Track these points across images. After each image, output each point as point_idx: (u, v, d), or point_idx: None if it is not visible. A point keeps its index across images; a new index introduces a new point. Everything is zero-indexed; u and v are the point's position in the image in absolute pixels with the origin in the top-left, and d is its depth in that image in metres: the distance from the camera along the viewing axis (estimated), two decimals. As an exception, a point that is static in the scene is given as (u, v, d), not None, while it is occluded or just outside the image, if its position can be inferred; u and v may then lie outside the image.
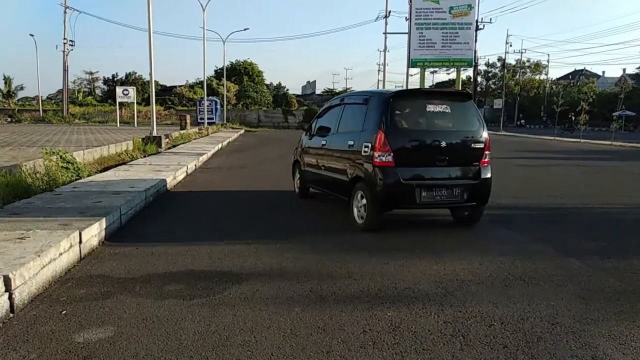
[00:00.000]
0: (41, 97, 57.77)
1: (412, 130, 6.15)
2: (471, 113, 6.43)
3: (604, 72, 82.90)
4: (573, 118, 39.36)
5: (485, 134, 6.27)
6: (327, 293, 3.84)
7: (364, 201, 6.00)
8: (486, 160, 6.24)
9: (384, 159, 5.77)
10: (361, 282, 4.11)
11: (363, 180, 6.04)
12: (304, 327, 3.22)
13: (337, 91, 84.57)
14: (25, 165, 8.33)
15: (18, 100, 67.24)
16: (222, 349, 2.91)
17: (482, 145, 6.18)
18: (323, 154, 7.33)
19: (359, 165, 6.11)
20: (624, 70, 72.06)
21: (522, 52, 70.93)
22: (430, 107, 6.17)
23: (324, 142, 7.29)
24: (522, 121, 65.39)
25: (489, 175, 6.25)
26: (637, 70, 63.78)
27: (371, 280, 4.16)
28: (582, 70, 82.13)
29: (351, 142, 6.37)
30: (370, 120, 6.11)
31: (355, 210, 6.26)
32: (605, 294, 3.94)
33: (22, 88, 68.16)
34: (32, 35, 54.93)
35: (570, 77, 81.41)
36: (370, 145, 5.90)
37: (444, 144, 5.93)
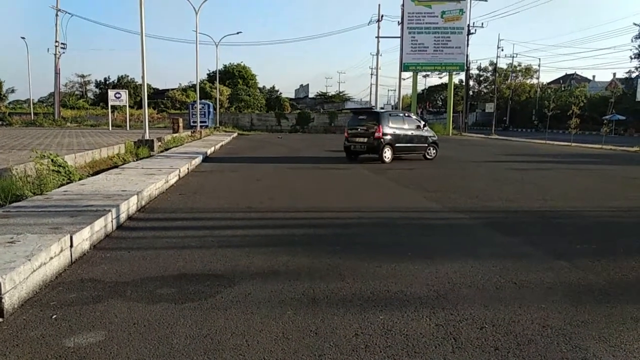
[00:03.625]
0: (32, 100, 57.52)
1: (352, 124, 17.09)
2: (374, 118, 16.39)
3: (594, 77, 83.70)
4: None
5: (379, 127, 15.68)
6: (320, 296, 3.84)
7: None
8: (376, 135, 15.67)
9: (345, 134, 17.17)
10: (353, 285, 4.12)
11: None
12: (296, 331, 3.22)
13: (329, 95, 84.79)
14: (16, 169, 8.26)
15: (9, 103, 66.94)
16: (213, 353, 2.90)
17: (375, 130, 15.68)
18: None
19: None
20: (614, 74, 72.80)
21: (513, 57, 71.69)
22: (359, 116, 17.50)
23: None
24: (538, 123, 63.40)
25: (376, 143, 15.74)
26: (626, 75, 64.38)
27: (363, 283, 4.17)
28: (572, 74, 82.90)
29: None
30: None
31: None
32: (595, 296, 3.97)
33: (13, 91, 67.95)
34: (23, 38, 54.71)
35: (561, 81, 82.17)
36: None
37: (360, 130, 16.40)
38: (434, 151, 17.51)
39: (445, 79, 57.11)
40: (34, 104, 57.93)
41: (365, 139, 16.02)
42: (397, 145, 16.24)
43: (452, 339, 3.13)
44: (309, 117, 52.85)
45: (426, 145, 17.27)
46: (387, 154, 15.94)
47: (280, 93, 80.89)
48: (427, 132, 17.51)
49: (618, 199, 9.53)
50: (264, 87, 79.49)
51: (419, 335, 3.17)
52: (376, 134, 15.60)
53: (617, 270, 4.65)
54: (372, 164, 15.46)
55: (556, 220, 7.19)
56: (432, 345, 3.04)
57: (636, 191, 10.66)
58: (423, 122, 17.88)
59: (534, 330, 3.28)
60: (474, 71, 73.77)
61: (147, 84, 18.73)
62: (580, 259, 5.02)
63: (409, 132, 16.77)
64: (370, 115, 17.00)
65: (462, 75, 56.15)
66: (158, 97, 65.17)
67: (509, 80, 76.44)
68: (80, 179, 9.03)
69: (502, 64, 75.99)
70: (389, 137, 15.91)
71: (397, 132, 16.25)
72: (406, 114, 18.33)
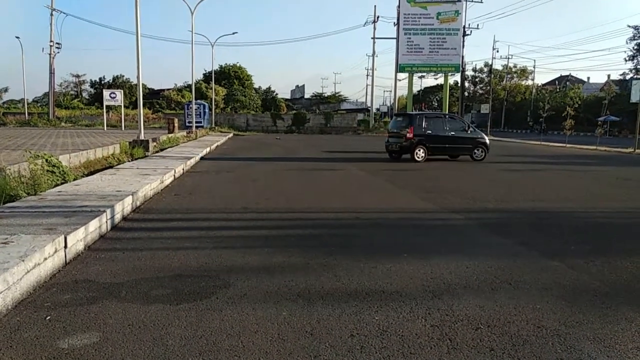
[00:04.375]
0: (27, 100, 57.16)
1: (391, 126, 19.78)
2: (407, 120, 17.58)
3: (588, 78, 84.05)
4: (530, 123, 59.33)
5: (410, 128, 16.73)
6: (315, 297, 3.84)
7: None
8: (407, 136, 16.77)
9: (387, 134, 19.51)
10: (349, 286, 4.12)
11: None
12: (292, 332, 3.21)
13: (325, 95, 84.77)
14: (10, 169, 8.21)
15: (3, 103, 66.58)
16: (208, 354, 2.89)
17: (408, 131, 16.71)
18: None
19: None
20: (609, 76, 73.16)
21: (508, 58, 71.95)
22: (397, 118, 19.62)
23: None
24: (544, 125, 59.58)
25: (408, 143, 16.82)
26: (621, 77, 64.78)
27: (359, 284, 4.17)
28: (567, 76, 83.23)
29: None
30: None
31: None
32: (590, 296, 3.98)
33: (6, 90, 67.65)
34: (18, 37, 54.28)
35: (556, 82, 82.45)
36: None
37: (395, 130, 18.21)
38: (482, 152, 17.69)
39: (440, 80, 57.30)
40: (28, 103, 57.61)
41: (399, 140, 17.40)
42: (432, 145, 16.98)
43: (448, 339, 3.14)
44: (304, 117, 52.82)
45: (471, 146, 17.59)
46: (419, 153, 16.87)
47: (276, 94, 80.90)
48: (473, 133, 17.94)
49: (612, 200, 9.58)
50: (259, 87, 79.38)
51: (415, 336, 3.17)
52: (407, 135, 16.81)
53: (611, 271, 4.67)
54: (368, 165, 15.50)
55: (551, 221, 7.22)
56: (428, 346, 3.04)
57: (630, 192, 10.72)
58: (468, 124, 18.48)
59: (529, 330, 3.29)
60: (469, 72, 74.17)
61: (143, 84, 18.68)
62: (575, 259, 5.04)
63: (450, 134, 17.33)
64: (405, 118, 18.45)
65: (458, 77, 56.30)
66: (153, 97, 64.98)
67: (504, 82, 76.72)
68: (74, 180, 8.99)
69: (498, 65, 76.24)
70: (421, 137, 16.85)
71: (433, 133, 17.06)
72: (448, 116, 20.12)
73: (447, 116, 19.71)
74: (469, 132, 17.81)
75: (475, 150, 17.64)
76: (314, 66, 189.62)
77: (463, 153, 17.77)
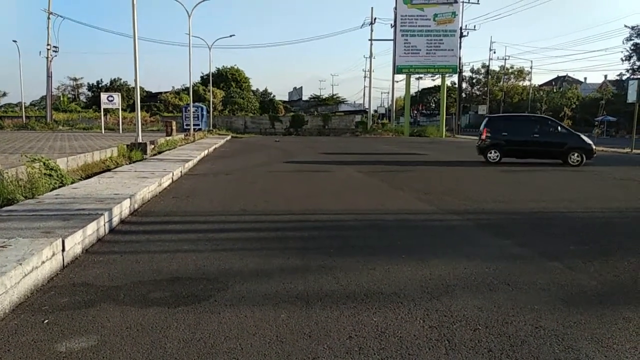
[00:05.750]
0: (24, 103, 57.08)
1: (480, 128, 18.43)
2: (484, 122, 18.23)
3: (585, 79, 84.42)
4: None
5: (484, 130, 17.41)
6: (313, 299, 3.84)
7: None
8: (482, 138, 17.41)
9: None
10: (347, 287, 4.12)
11: None
12: (290, 334, 3.21)
13: (323, 97, 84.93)
14: (7, 173, 8.19)
15: (0, 106, 66.46)
16: (207, 357, 2.89)
17: (482, 133, 17.52)
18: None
19: None
20: (606, 76, 73.45)
21: (505, 59, 72.13)
22: (483, 119, 19.75)
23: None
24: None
25: (483, 145, 17.39)
26: (617, 77, 65.01)
27: (357, 285, 4.17)
28: (564, 76, 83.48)
29: None
30: None
31: None
32: (588, 297, 3.99)
33: (4, 94, 67.74)
34: (15, 41, 53.90)
35: (553, 83, 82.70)
36: None
37: (480, 131, 18.14)
38: (578, 156, 16.46)
39: (438, 82, 57.36)
40: (25, 107, 57.51)
41: (478, 141, 18.42)
42: (508, 148, 17.10)
43: (446, 340, 3.14)
44: (302, 119, 52.88)
45: (562, 150, 16.61)
46: (492, 154, 17.26)
47: (274, 96, 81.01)
48: (566, 137, 16.97)
49: (610, 200, 9.60)
50: (257, 90, 79.51)
51: (413, 337, 3.18)
52: (482, 137, 17.66)
53: (609, 271, 4.68)
54: (366, 167, 15.51)
55: (549, 222, 7.23)
56: (426, 347, 3.04)
57: (628, 193, 10.74)
58: (561, 126, 17.65)
59: (527, 331, 3.29)
60: (466, 73, 74.30)
61: (140, 87, 18.70)
62: (573, 259, 5.05)
63: (533, 136, 16.89)
64: (484, 120, 19.19)
65: (455, 78, 56.45)
66: (151, 100, 64.99)
67: (501, 83, 76.94)
68: (72, 183, 8.98)
69: (495, 66, 76.53)
70: (495, 140, 17.27)
71: (511, 135, 17.11)
72: (534, 118, 20.20)
73: (533, 118, 19.49)
74: (560, 135, 17.00)
75: (572, 155, 16.45)
76: (311, 68, 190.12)
77: (552, 157, 16.98)
